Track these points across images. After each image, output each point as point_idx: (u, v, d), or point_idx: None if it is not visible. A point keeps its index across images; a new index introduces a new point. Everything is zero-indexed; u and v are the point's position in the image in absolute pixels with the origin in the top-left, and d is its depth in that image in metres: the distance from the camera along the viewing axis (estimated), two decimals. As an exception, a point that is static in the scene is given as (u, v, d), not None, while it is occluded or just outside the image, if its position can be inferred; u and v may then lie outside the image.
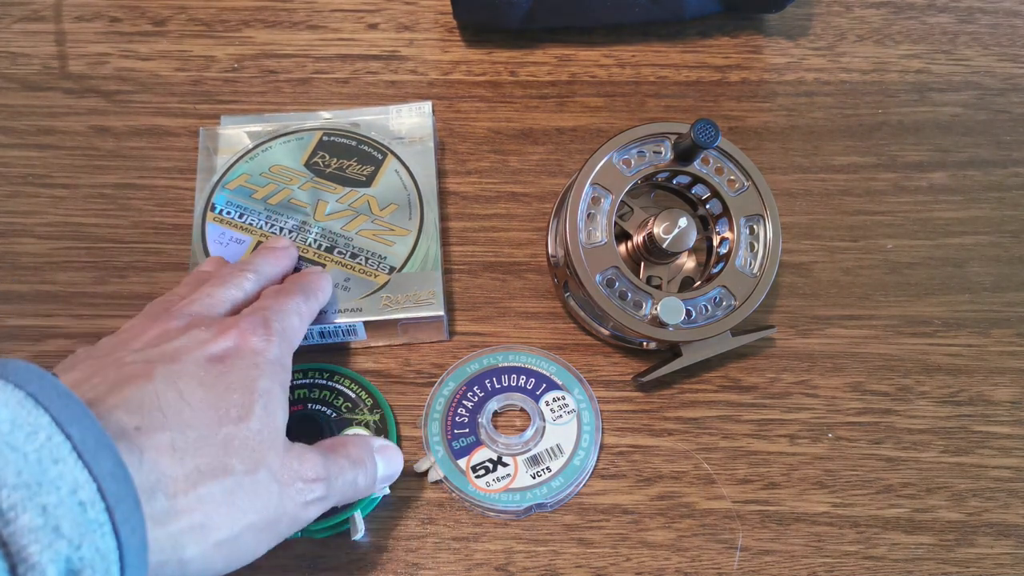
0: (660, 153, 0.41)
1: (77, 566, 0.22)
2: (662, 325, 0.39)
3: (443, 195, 0.47)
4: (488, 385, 0.41)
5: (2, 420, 0.22)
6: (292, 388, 0.40)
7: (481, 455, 0.39)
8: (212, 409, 0.29)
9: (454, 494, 0.39)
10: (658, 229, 0.40)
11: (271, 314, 0.34)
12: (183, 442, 0.27)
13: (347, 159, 0.45)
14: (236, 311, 0.35)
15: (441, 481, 0.39)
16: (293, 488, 0.30)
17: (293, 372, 0.41)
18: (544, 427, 0.40)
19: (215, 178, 0.44)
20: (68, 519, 0.22)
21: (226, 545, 0.28)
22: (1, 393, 0.23)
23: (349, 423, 0.40)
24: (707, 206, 0.43)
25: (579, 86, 0.51)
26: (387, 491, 0.38)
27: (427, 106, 0.47)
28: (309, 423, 0.39)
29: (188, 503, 0.26)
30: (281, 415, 0.31)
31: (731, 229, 0.41)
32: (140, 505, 0.24)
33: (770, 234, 0.41)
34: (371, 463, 0.34)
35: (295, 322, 0.35)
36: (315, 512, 0.31)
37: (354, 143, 0.46)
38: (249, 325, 0.32)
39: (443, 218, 0.46)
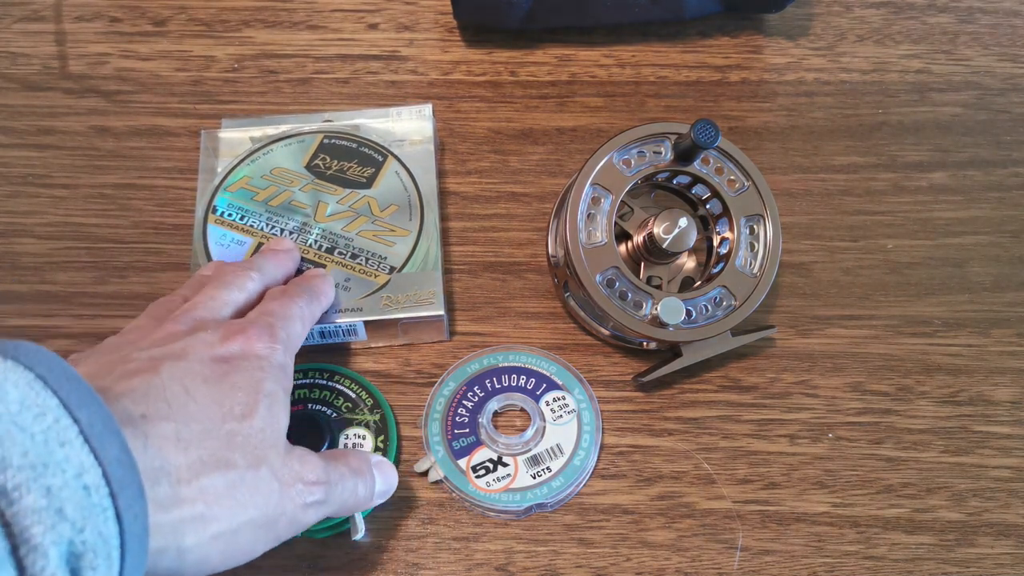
0: (660, 153, 0.41)
1: (79, 550, 0.22)
2: (662, 325, 0.39)
3: (443, 195, 0.47)
4: (488, 385, 0.41)
5: (11, 400, 0.22)
6: (292, 388, 0.40)
7: (481, 455, 0.39)
8: (216, 405, 0.29)
9: (454, 494, 0.39)
10: (658, 229, 0.40)
11: (276, 320, 0.34)
12: (187, 433, 0.27)
13: (348, 161, 0.45)
14: (240, 313, 0.35)
15: (441, 481, 0.39)
16: (294, 489, 0.30)
17: (293, 372, 0.41)
18: (544, 427, 0.40)
19: (216, 181, 0.44)
20: (72, 502, 0.22)
21: (224, 538, 0.28)
22: (11, 373, 0.23)
23: (349, 423, 0.40)
24: (707, 206, 0.43)
25: (579, 86, 0.51)
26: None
27: (427, 108, 0.47)
28: (309, 423, 0.39)
29: (191, 492, 0.27)
30: (284, 418, 0.31)
31: (731, 229, 0.41)
32: (144, 492, 0.24)
33: (770, 234, 0.41)
34: (370, 475, 0.34)
35: (298, 328, 0.35)
36: (314, 516, 0.31)
37: (355, 145, 0.46)
38: (255, 332, 0.32)
39: (443, 218, 0.46)
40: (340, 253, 0.42)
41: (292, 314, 0.35)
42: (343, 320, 0.40)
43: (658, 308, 0.39)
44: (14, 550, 0.20)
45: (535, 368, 0.42)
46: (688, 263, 0.44)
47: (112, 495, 0.23)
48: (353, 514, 0.37)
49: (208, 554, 0.27)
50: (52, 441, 0.22)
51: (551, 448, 0.40)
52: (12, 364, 0.23)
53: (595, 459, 0.40)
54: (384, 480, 0.35)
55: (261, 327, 0.33)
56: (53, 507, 0.21)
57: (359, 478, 0.34)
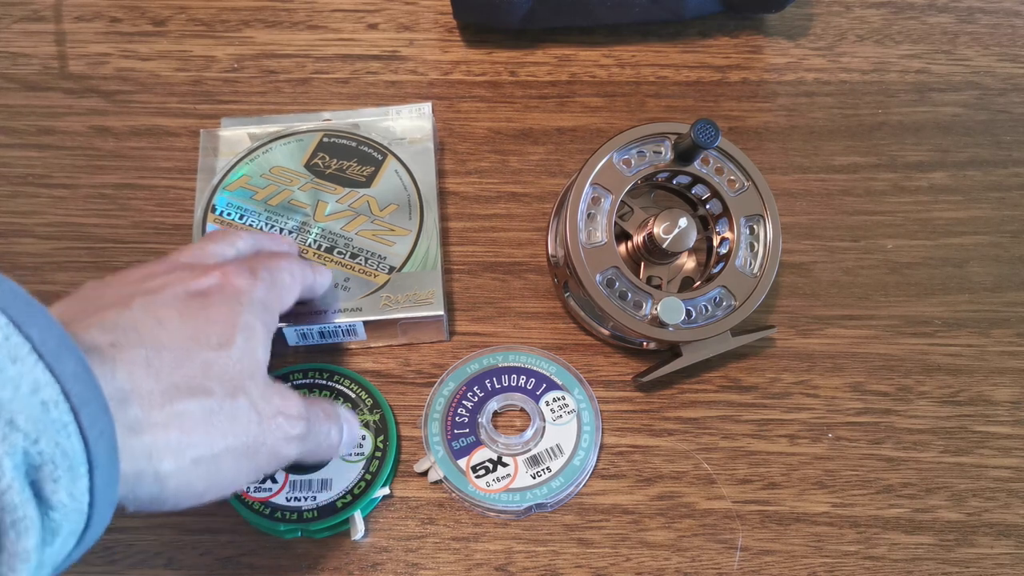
0: (660, 153, 0.41)
1: (36, 461, 0.21)
2: (662, 325, 0.39)
3: (443, 195, 0.47)
4: (488, 385, 0.41)
5: None
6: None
7: (481, 455, 0.39)
8: (191, 335, 0.28)
9: (454, 494, 0.39)
10: (658, 229, 0.40)
11: (258, 264, 0.33)
12: (158, 360, 0.27)
13: (347, 160, 0.45)
14: None
15: (441, 481, 0.39)
16: (275, 421, 0.30)
17: (293, 372, 0.41)
18: (544, 427, 0.40)
19: (216, 179, 0.44)
20: (24, 414, 0.21)
21: (205, 464, 0.27)
22: None
23: (349, 423, 0.40)
24: (707, 206, 0.43)
25: (579, 86, 0.51)
26: (387, 491, 0.39)
27: (427, 107, 0.47)
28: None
29: (164, 417, 0.26)
30: (263, 351, 0.31)
31: (731, 229, 0.41)
32: (108, 409, 0.23)
33: (770, 234, 0.41)
34: (339, 423, 0.34)
35: (285, 277, 0.34)
36: (294, 451, 0.31)
37: (354, 144, 0.46)
38: (234, 268, 0.32)
39: (443, 218, 0.46)
40: (339, 253, 0.42)
41: (280, 265, 0.34)
42: (343, 320, 0.40)
43: (658, 308, 0.39)
44: None
45: (535, 368, 0.42)
46: (688, 263, 0.44)
47: (73, 410, 0.22)
48: (353, 514, 0.37)
49: (190, 480, 0.27)
50: (3, 358, 0.21)
51: (551, 448, 0.40)
52: None
53: (595, 459, 0.40)
54: (349, 431, 0.35)
55: (241, 265, 0.32)
56: (3, 419, 0.21)
57: (333, 423, 0.34)
